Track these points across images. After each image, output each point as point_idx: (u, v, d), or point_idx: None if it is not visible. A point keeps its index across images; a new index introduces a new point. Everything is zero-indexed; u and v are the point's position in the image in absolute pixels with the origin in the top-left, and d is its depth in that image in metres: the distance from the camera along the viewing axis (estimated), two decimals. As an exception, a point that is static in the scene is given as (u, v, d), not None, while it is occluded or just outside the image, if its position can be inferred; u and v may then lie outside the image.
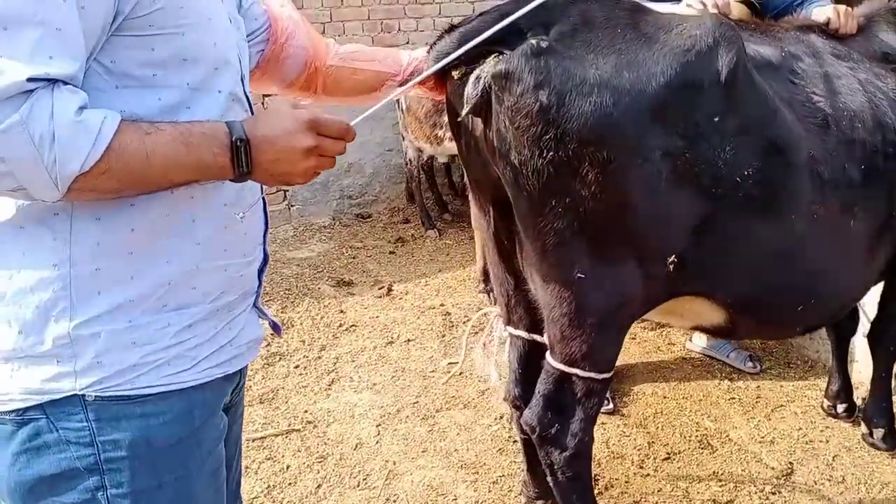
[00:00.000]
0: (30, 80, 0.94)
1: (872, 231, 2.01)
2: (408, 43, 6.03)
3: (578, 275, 1.81)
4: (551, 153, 1.67)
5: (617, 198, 1.71)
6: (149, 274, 1.14)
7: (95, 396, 1.11)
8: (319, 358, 3.79)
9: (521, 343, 2.25)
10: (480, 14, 1.89)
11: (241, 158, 1.10)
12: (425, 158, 5.58)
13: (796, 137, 1.82)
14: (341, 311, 4.31)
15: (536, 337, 2.19)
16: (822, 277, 1.96)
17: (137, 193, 1.09)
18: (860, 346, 3.12)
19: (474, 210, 2.30)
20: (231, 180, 1.14)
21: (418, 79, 1.63)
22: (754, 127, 1.74)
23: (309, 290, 4.61)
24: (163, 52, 1.10)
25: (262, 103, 4.72)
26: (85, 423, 1.11)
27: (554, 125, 1.64)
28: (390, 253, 5.30)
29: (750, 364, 3.53)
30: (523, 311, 2.20)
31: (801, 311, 1.97)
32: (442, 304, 4.37)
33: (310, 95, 1.71)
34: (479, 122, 1.84)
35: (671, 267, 1.82)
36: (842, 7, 2.28)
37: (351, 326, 4.13)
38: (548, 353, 2.01)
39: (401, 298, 4.51)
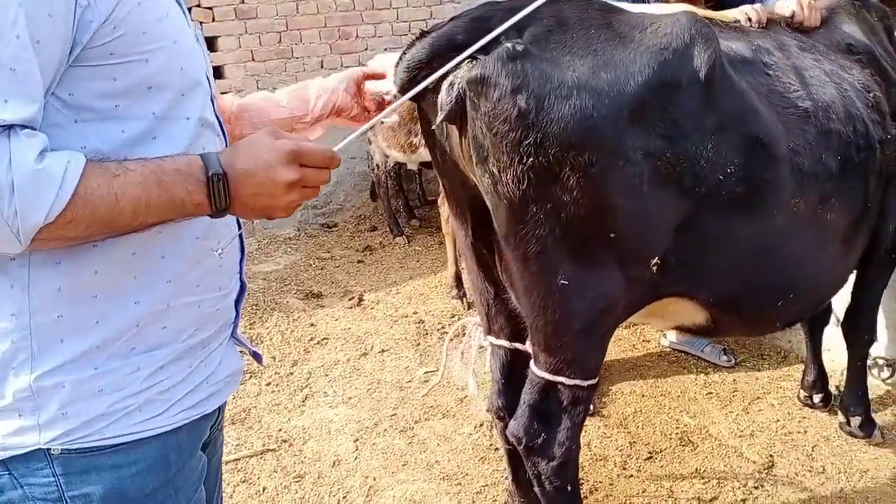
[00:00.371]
0: None
1: (849, 223, 2.02)
2: (366, 49, 5.97)
3: (561, 281, 1.77)
4: (531, 159, 1.63)
5: (599, 201, 1.68)
6: (115, 317, 1.07)
7: (62, 450, 1.05)
8: (291, 374, 3.70)
9: (503, 353, 2.21)
10: (452, 19, 1.85)
11: (219, 194, 1.02)
12: (391, 164, 5.52)
13: (776, 131, 1.81)
14: (311, 325, 4.23)
15: (519, 346, 2.15)
16: (802, 272, 1.96)
17: (106, 238, 1.02)
18: (833, 335, 3.15)
19: (451, 219, 2.25)
20: (209, 216, 1.06)
21: (399, 102, 1.55)
22: (734, 123, 1.73)
23: (277, 304, 4.51)
24: (125, 81, 1.03)
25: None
26: (52, 479, 1.05)
27: (533, 130, 1.60)
28: (359, 262, 5.23)
29: (724, 358, 3.55)
30: (504, 321, 2.16)
31: (782, 306, 1.97)
32: (415, 312, 4.32)
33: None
34: (454, 130, 1.80)
35: (654, 269, 1.79)
36: (804, 0, 2.29)
37: (322, 339, 4.05)
38: (532, 363, 1.97)
39: (372, 308, 4.44)
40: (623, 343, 3.83)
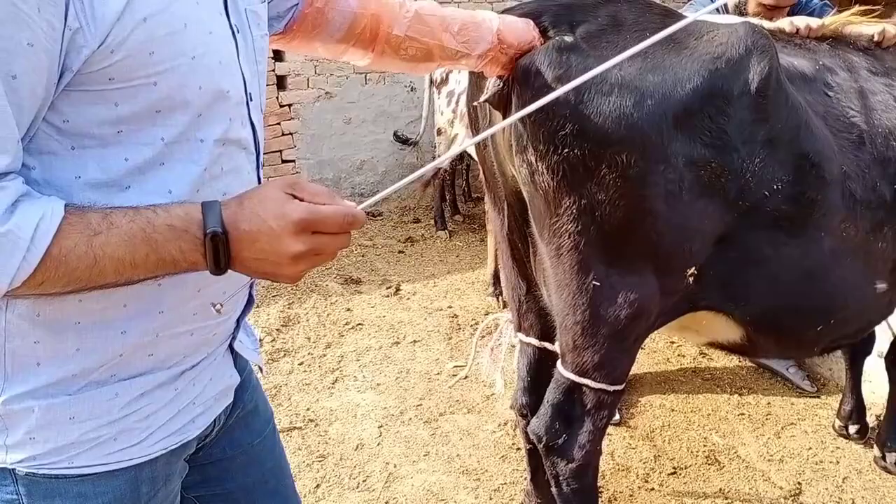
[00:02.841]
0: None
1: (900, 252, 1.95)
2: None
3: (594, 282, 1.76)
4: (567, 150, 1.63)
5: (635, 203, 1.66)
6: (97, 347, 0.98)
7: (26, 472, 0.99)
8: (324, 356, 3.75)
9: (532, 351, 2.21)
10: (504, 11, 1.85)
11: (218, 255, 0.91)
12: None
13: (830, 153, 1.76)
14: (348, 310, 4.27)
15: (547, 345, 2.14)
16: (845, 298, 1.90)
17: (90, 290, 0.92)
18: (875, 367, 3.06)
19: (489, 209, 2.26)
20: (211, 273, 0.94)
21: (469, 143, 1.35)
22: (786, 140, 1.68)
23: (316, 286, 4.57)
24: (129, 106, 0.91)
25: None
26: (15, 496, 0.99)
27: (570, 121, 1.60)
28: (399, 252, 5.26)
29: (807, 383, 3.47)
30: (534, 318, 2.15)
31: (821, 331, 1.92)
32: (450, 307, 4.33)
33: (364, 57, 1.49)
34: (497, 116, 1.81)
35: (691, 279, 1.77)
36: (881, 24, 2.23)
37: (357, 325, 4.09)
38: (559, 362, 1.96)
39: (408, 299, 4.47)
40: (657, 356, 3.78)
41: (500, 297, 4.30)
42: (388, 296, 4.48)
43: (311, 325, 4.07)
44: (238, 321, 1.20)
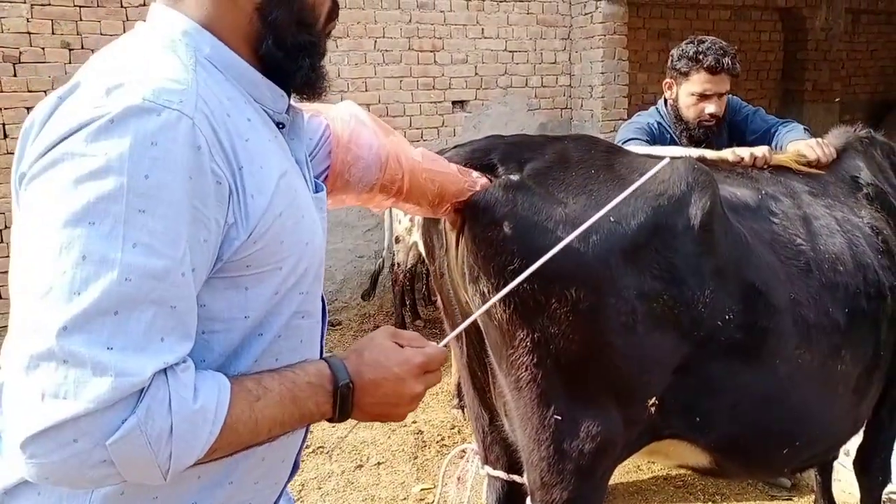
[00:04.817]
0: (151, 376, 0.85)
1: (861, 372, 1.95)
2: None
3: (555, 416, 1.72)
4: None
5: (589, 337, 1.65)
6: None
7: None
8: None
9: (500, 484, 2.13)
10: (454, 147, 1.89)
11: (346, 405, 1.03)
12: (411, 263, 5.55)
13: (776, 281, 1.78)
14: (308, 431, 4.12)
15: (516, 478, 2.07)
16: (809, 421, 1.88)
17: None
18: (843, 465, 3.02)
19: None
20: (328, 421, 1.05)
21: (496, 297, 1.45)
22: (733, 270, 1.70)
23: (275, 406, 4.42)
24: (256, 291, 1.00)
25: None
26: None
27: (518, 256, 1.62)
28: (361, 363, 5.15)
29: (783, 479, 3.39)
30: (500, 450, 2.09)
31: (789, 454, 1.89)
32: (414, 422, 4.21)
33: (389, 199, 1.55)
34: (451, 246, 1.81)
35: (653, 410, 1.74)
36: (814, 140, 2.32)
37: (318, 448, 3.94)
38: (528, 500, 1.88)
39: (371, 414, 4.33)
40: (628, 464, 3.69)
41: (465, 410, 4.20)
42: (350, 412, 4.35)
43: (270, 449, 3.91)
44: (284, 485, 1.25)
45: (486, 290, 1.70)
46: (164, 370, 0.86)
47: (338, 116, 1.43)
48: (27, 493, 0.96)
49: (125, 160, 0.84)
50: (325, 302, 1.21)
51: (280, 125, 1.12)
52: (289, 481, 1.24)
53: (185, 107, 0.89)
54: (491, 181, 1.68)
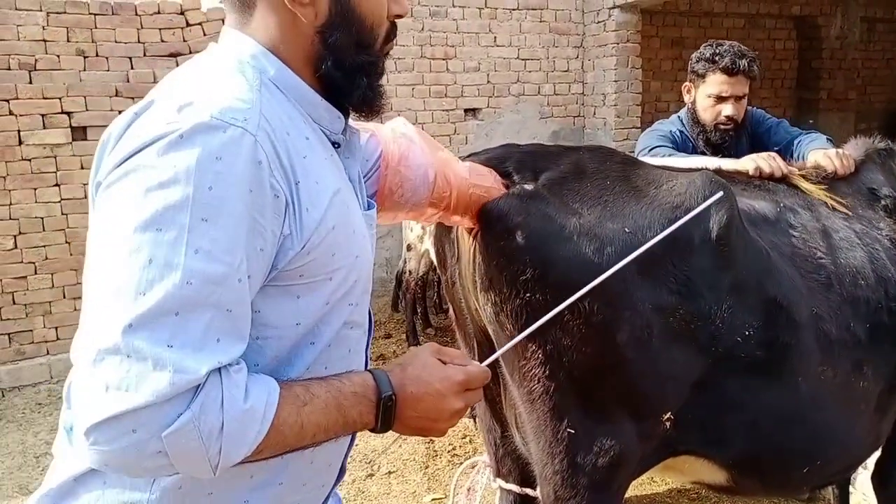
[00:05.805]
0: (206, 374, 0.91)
1: (882, 388, 1.91)
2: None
3: (568, 429, 1.70)
4: (529, 294, 1.62)
5: (603, 350, 1.63)
6: None
7: None
8: None
9: (512, 498, 2.11)
10: (469, 155, 1.88)
11: (388, 416, 1.07)
12: (423, 271, 5.54)
13: (798, 296, 1.75)
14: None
15: (529, 491, 2.05)
16: (830, 439, 1.85)
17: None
18: (862, 478, 2.97)
19: (459, 344, 2.21)
20: (371, 431, 1.09)
21: (519, 337, 1.47)
22: (752, 285, 1.67)
23: (286, 414, 4.41)
24: (307, 300, 1.06)
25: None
26: None
27: (531, 266, 1.60)
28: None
29: None
30: (512, 463, 2.07)
31: (808, 472, 1.85)
32: (425, 430, 4.19)
33: (437, 214, 1.60)
34: (464, 253, 1.80)
35: (668, 424, 1.71)
36: (833, 151, 2.29)
37: (329, 456, 3.92)
38: (540, 514, 1.86)
39: (382, 423, 4.31)
40: (642, 476, 3.65)
41: (477, 418, 4.18)
42: (361, 421, 4.33)
43: (281, 458, 3.90)
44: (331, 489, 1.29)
45: (497, 300, 1.68)
46: (219, 370, 0.92)
47: (390, 138, 1.48)
48: (94, 482, 1.03)
49: (192, 173, 0.90)
50: (372, 314, 1.26)
51: (336, 145, 1.17)
52: (336, 484, 1.29)
53: (248, 125, 0.95)
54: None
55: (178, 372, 0.88)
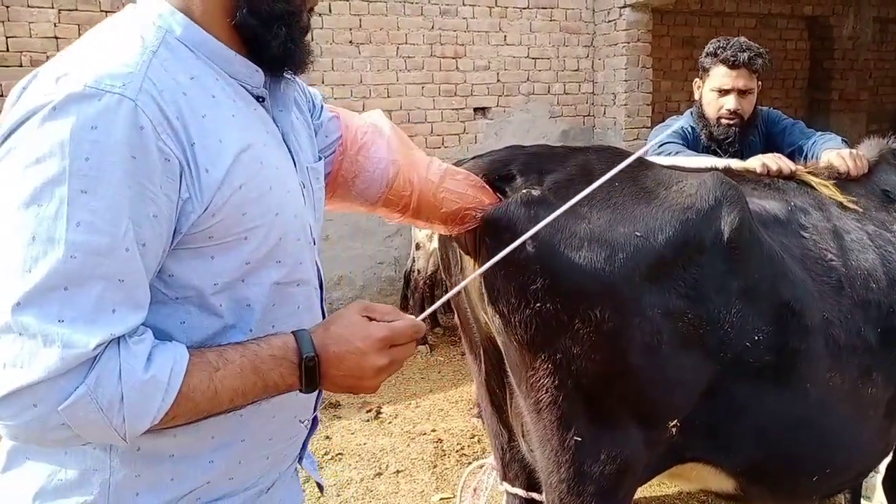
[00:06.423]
0: (95, 347, 0.91)
1: (893, 394, 1.89)
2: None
3: (575, 437, 1.68)
4: (539, 304, 1.59)
5: (613, 358, 1.61)
6: (189, 475, 1.09)
7: None
8: (303, 490, 3.56)
9: (518, 502, 2.10)
10: (474, 157, 1.86)
11: (312, 376, 1.06)
12: (431, 270, 5.53)
13: (810, 300, 1.72)
14: (327, 437, 4.11)
15: (535, 496, 2.04)
16: (839, 446, 1.82)
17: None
18: (873, 483, 2.95)
19: (466, 351, 2.20)
20: (301, 392, 1.09)
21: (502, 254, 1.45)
22: (764, 289, 1.65)
23: (294, 412, 4.41)
24: (223, 260, 1.05)
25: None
26: None
27: (542, 275, 1.57)
28: (380, 370, 5.13)
29: None
30: (519, 468, 2.06)
31: (818, 480, 1.83)
32: (433, 430, 4.19)
33: (395, 215, 1.58)
34: (468, 265, 1.78)
35: (674, 431, 1.69)
36: (846, 151, 2.26)
37: (337, 455, 3.92)
38: (546, 520, 1.85)
39: (390, 422, 4.32)
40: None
41: (484, 422, 4.17)
42: (368, 420, 4.34)
43: (288, 456, 3.90)
44: (304, 442, 1.30)
45: (505, 311, 1.65)
46: (118, 342, 0.93)
47: (357, 125, 1.46)
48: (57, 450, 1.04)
49: (66, 144, 0.89)
50: (321, 269, 1.26)
51: (260, 98, 1.15)
52: (309, 437, 1.31)
53: (127, 90, 0.93)
54: (500, 200, 1.65)
55: (67, 347, 0.88)
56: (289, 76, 1.19)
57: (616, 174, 1.70)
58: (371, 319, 1.11)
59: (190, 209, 0.99)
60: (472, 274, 1.71)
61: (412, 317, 1.15)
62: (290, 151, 1.19)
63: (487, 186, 1.67)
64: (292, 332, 1.08)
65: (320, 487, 1.42)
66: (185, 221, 0.99)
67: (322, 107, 1.44)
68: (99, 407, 0.91)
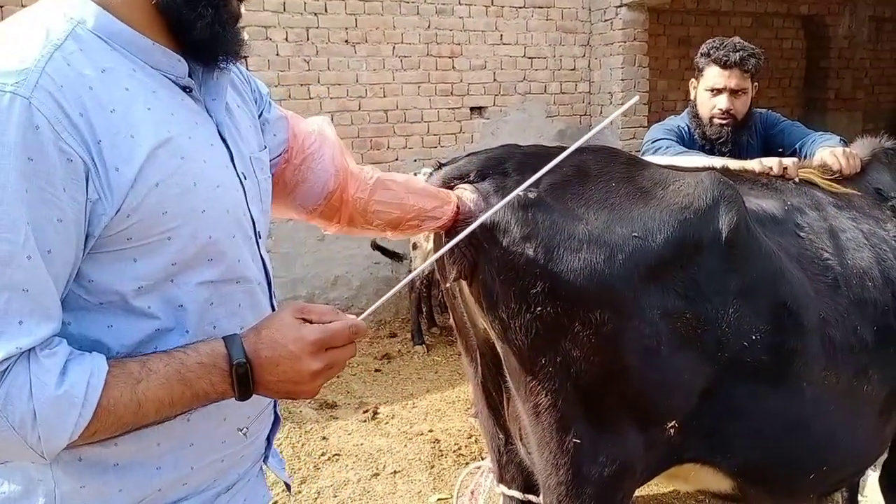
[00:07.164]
0: (1, 362, 0.86)
1: (889, 392, 1.89)
2: (396, 160, 6.09)
3: (574, 440, 1.68)
4: (539, 308, 1.58)
5: (613, 360, 1.60)
6: (138, 484, 1.05)
7: None
8: (299, 492, 3.56)
9: (515, 504, 2.10)
10: (468, 154, 1.85)
11: (244, 384, 1.01)
12: (427, 271, 5.53)
13: (805, 298, 1.72)
14: (324, 438, 4.11)
15: (532, 498, 2.03)
16: (836, 445, 1.82)
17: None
18: (870, 480, 2.95)
19: (462, 353, 2.19)
20: (237, 399, 1.04)
21: (429, 261, 1.44)
22: (760, 288, 1.65)
23: (290, 413, 4.40)
24: (146, 262, 1.00)
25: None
26: None
27: (541, 279, 1.56)
28: (376, 371, 5.13)
29: None
30: (516, 470, 2.05)
31: (815, 479, 1.83)
32: (430, 430, 4.18)
33: (331, 226, 1.54)
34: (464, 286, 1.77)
35: (672, 432, 1.69)
36: (839, 150, 2.26)
37: (334, 455, 3.92)
38: (544, 522, 1.84)
39: (387, 423, 4.31)
40: (646, 478, 3.64)
41: (480, 424, 4.16)
42: (365, 421, 4.33)
43: (285, 457, 3.89)
44: (268, 440, 1.27)
45: (504, 317, 1.63)
46: (28, 355, 0.88)
47: (305, 132, 1.41)
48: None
49: None
50: (268, 265, 1.22)
51: (187, 89, 1.08)
52: (272, 435, 1.27)
53: (20, 88, 0.87)
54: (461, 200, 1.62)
55: None
56: (223, 65, 1.12)
57: (617, 177, 1.71)
58: (307, 321, 1.05)
59: (101, 211, 0.93)
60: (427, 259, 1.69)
61: (353, 317, 1.09)
62: (225, 143, 1.13)
63: (436, 188, 1.63)
64: (223, 338, 1.03)
65: (288, 487, 1.40)
66: (97, 224, 0.93)
67: (269, 101, 1.38)
68: (10, 425, 0.87)
